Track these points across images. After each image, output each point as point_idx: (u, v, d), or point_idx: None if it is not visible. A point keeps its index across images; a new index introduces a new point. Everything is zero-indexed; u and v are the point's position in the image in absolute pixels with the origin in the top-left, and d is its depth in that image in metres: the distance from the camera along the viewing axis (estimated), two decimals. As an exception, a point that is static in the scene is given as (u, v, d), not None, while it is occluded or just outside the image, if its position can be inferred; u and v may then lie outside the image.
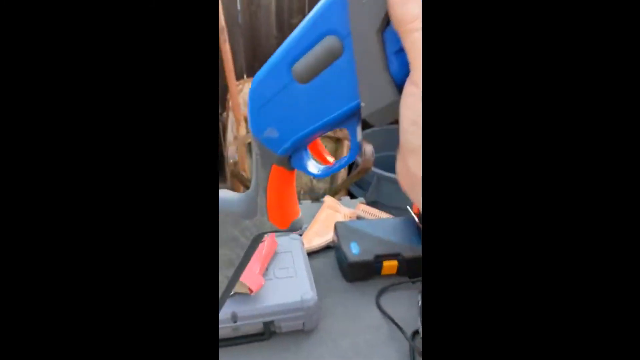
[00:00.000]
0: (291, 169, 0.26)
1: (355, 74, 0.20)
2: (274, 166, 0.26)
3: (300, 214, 0.30)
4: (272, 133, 0.24)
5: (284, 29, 1.49)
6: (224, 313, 0.56)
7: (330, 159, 0.27)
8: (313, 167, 0.26)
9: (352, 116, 0.22)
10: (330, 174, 0.25)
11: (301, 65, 0.22)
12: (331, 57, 0.20)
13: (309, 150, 0.26)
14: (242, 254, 0.31)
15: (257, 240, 0.30)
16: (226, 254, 0.31)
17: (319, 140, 0.26)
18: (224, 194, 0.31)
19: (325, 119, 0.22)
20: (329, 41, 0.20)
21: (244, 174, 1.20)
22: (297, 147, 0.24)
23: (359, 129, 0.23)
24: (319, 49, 0.21)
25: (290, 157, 0.25)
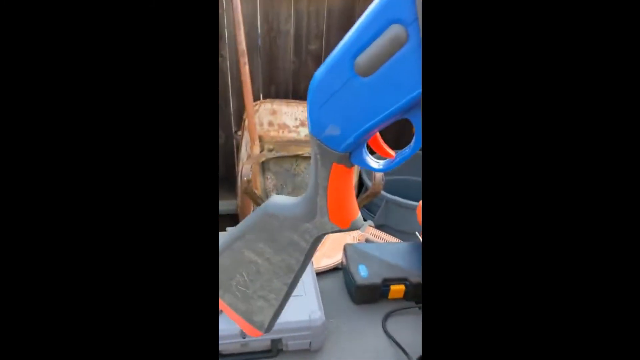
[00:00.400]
0: (351, 165, 0.27)
1: (421, 60, 0.20)
2: (334, 164, 0.26)
3: (359, 214, 0.30)
4: (333, 131, 0.25)
5: (301, 55, 1.54)
6: (233, 329, 0.57)
7: (392, 152, 0.27)
8: (373, 162, 0.26)
9: (417, 105, 0.22)
10: (392, 168, 0.26)
11: (364, 58, 0.22)
12: (396, 46, 0.21)
13: (367, 146, 0.26)
14: (302, 258, 0.31)
15: (316, 242, 0.30)
16: (284, 260, 0.31)
17: (378, 134, 0.27)
18: (278, 199, 0.31)
19: (389, 110, 0.22)
20: (394, 30, 0.20)
21: (256, 191, 1.23)
22: (358, 143, 0.25)
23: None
24: (382, 40, 0.21)
25: (350, 153, 0.26)
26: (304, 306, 0.60)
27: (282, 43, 1.52)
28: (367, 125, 0.23)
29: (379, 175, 1.15)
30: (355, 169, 0.33)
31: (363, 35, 0.22)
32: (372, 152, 0.28)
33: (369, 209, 1.46)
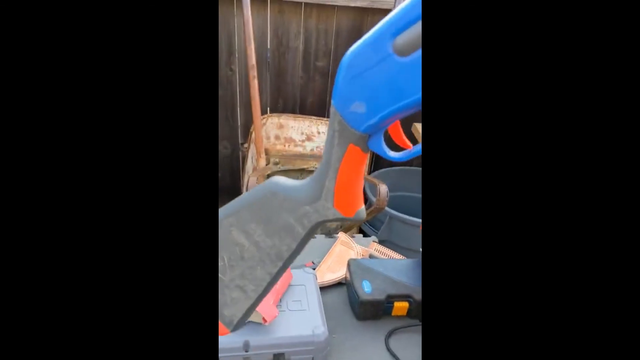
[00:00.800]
0: (367, 150, 0.26)
1: None
2: (351, 145, 0.26)
3: (363, 205, 0.29)
4: (359, 108, 0.24)
5: (309, 71, 1.57)
6: (236, 341, 0.57)
7: (409, 143, 0.27)
8: (389, 150, 0.26)
9: None
10: (409, 158, 0.26)
11: (404, 38, 0.22)
12: None
13: (384, 134, 0.26)
14: (294, 245, 0.28)
15: (313, 230, 0.28)
16: (275, 246, 0.28)
17: (399, 124, 0.26)
18: (283, 178, 0.29)
19: (420, 94, 0.22)
20: None
21: (260, 204, 1.23)
22: (380, 126, 0.25)
23: None
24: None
25: (369, 137, 0.26)
26: (308, 320, 0.60)
27: (290, 59, 1.55)
28: (395, 106, 0.23)
29: (383, 190, 1.16)
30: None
31: (407, 16, 0.22)
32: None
33: (373, 225, 1.46)
